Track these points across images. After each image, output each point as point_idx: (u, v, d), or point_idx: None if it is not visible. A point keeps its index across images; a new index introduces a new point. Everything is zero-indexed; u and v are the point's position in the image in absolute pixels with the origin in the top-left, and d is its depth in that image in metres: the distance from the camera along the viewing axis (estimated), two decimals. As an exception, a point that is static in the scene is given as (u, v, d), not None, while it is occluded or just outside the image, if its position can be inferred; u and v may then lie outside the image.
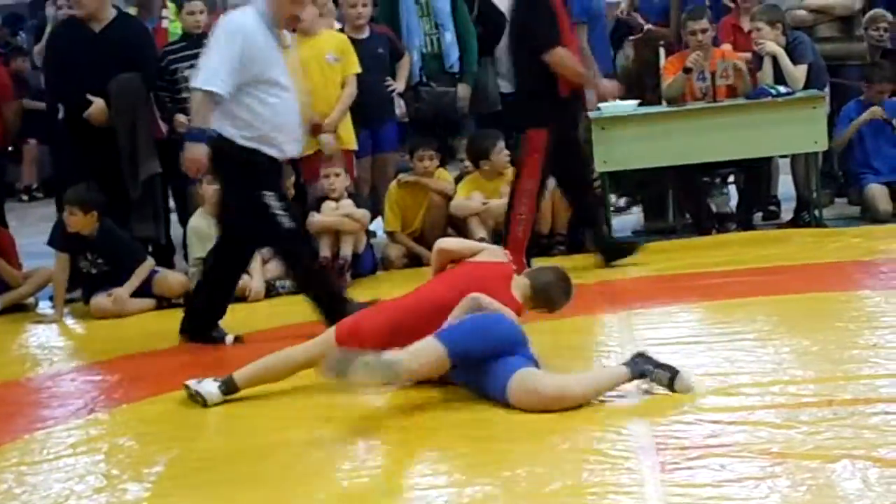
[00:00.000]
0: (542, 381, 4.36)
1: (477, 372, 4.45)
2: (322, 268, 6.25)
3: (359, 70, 7.82)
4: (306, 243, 6.08)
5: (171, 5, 8.16)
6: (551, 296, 5.04)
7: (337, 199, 7.51)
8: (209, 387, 4.76)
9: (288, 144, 5.79)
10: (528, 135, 6.92)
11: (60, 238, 7.12)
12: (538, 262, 7.51)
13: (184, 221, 7.71)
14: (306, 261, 5.94)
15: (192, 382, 4.80)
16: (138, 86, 7.39)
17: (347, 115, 7.82)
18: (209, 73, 5.57)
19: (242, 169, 5.67)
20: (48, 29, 8.52)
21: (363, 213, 7.56)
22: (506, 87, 8.19)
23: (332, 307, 5.68)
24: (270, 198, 5.67)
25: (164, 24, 8.05)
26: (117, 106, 7.31)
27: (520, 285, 5.01)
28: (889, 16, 9.03)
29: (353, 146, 7.87)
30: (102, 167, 7.27)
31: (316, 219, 7.46)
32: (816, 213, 8.06)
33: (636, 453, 3.73)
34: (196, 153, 5.58)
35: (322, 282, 5.94)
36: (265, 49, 5.63)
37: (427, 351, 4.38)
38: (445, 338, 4.42)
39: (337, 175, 7.55)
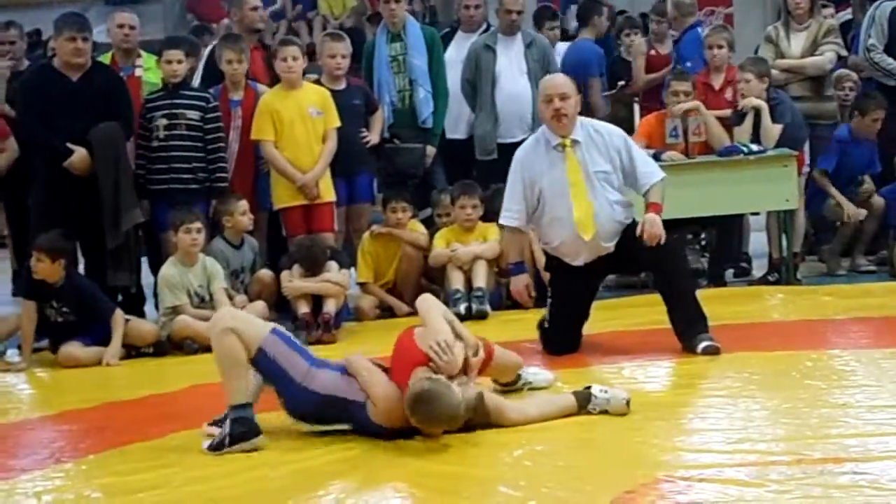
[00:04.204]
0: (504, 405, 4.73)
1: None
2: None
3: (339, 123, 7.86)
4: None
5: (145, 55, 8.18)
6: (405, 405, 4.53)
7: None
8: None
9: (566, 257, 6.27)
10: None
11: (27, 286, 7.08)
12: (511, 316, 7.53)
13: (155, 269, 7.68)
14: None
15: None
16: (119, 135, 7.39)
17: (327, 169, 7.85)
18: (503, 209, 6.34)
19: None
20: None
21: (343, 277, 7.51)
22: (503, 136, 8.29)
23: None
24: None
25: (138, 72, 8.06)
26: (100, 155, 7.30)
27: (417, 377, 4.53)
28: (854, 75, 9.15)
29: (332, 198, 7.92)
30: (79, 215, 7.25)
31: (295, 285, 7.40)
32: (784, 270, 8.10)
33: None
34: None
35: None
36: (540, 168, 6.16)
37: None
38: None
39: None
